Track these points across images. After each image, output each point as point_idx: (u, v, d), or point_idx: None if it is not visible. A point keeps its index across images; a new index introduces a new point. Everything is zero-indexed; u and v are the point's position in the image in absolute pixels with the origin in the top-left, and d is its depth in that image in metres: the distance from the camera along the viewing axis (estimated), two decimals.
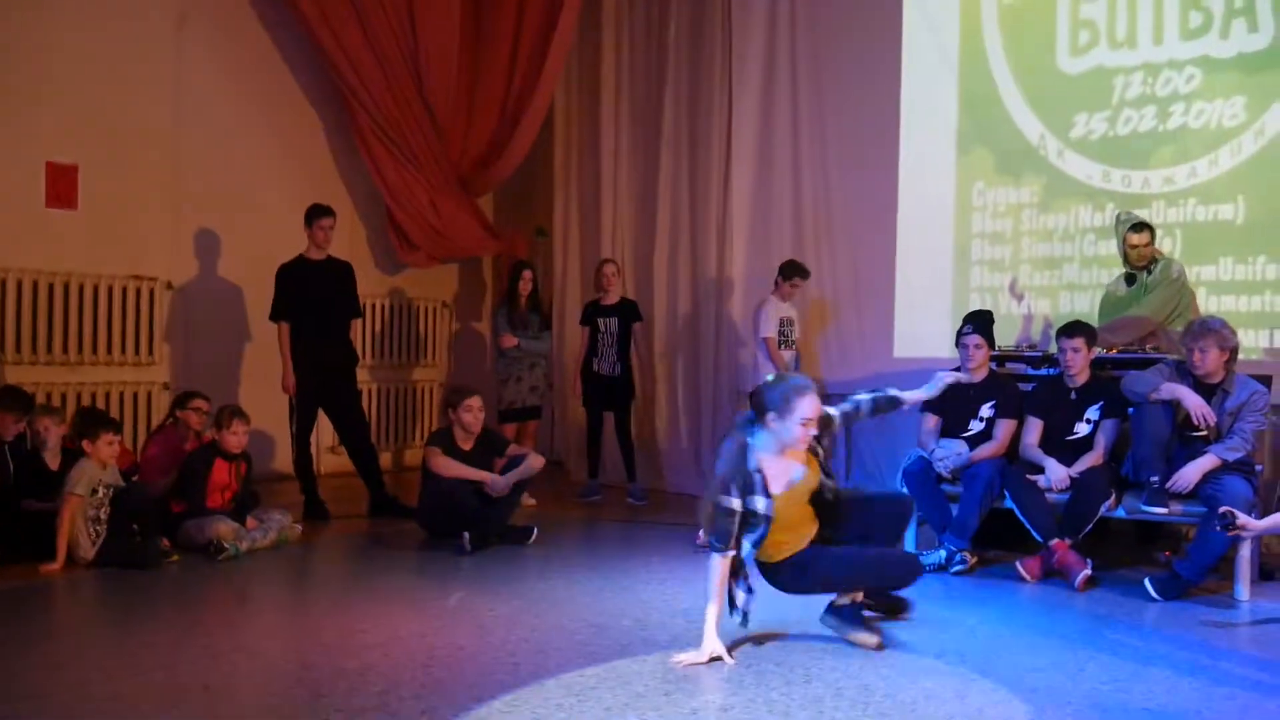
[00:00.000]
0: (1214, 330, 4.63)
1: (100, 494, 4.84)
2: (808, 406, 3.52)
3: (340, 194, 7.77)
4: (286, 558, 5.17)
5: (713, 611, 3.45)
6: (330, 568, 5.28)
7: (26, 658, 3.42)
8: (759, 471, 3.54)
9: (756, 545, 3.55)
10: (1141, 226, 5.50)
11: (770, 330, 6.74)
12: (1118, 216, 5.73)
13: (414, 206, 8.03)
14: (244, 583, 4.67)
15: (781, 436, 3.55)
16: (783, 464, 3.61)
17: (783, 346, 6.73)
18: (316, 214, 6.29)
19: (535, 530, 5.50)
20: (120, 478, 5.04)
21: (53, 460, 5.06)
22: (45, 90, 6.35)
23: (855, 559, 3.66)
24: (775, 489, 3.55)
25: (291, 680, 3.24)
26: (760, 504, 3.51)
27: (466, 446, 5.51)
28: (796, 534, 3.66)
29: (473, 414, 5.51)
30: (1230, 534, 4.12)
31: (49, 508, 4.80)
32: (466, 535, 5.18)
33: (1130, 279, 5.58)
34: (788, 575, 3.68)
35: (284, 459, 6.83)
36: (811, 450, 3.72)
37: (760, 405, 3.58)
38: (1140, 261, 5.49)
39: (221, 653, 3.51)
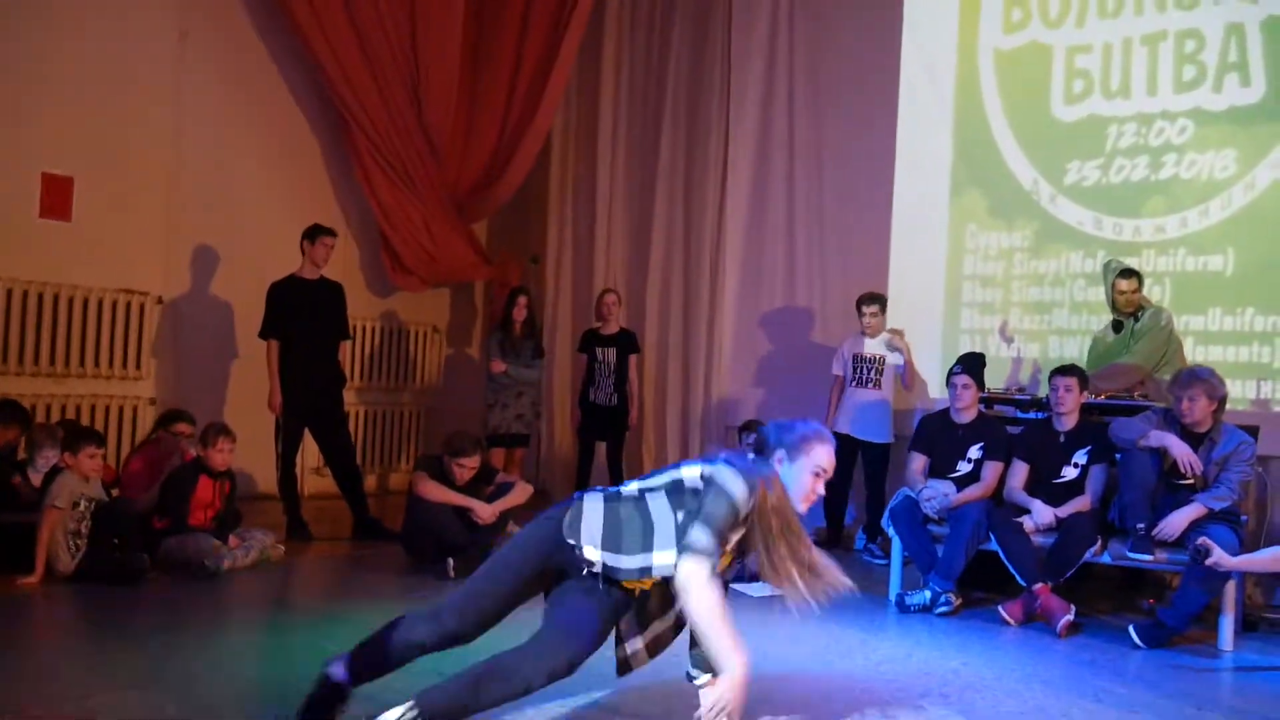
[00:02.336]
0: (1203, 379, 4.66)
1: (82, 507, 4.80)
2: (824, 456, 2.89)
3: (335, 215, 7.77)
4: (268, 577, 5.13)
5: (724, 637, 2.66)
6: (311, 589, 5.23)
7: (2, 671, 3.38)
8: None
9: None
10: (1129, 273, 5.56)
11: (837, 368, 6.60)
12: (1106, 263, 5.79)
13: (408, 230, 8.04)
14: (224, 601, 4.63)
15: (789, 484, 2.85)
16: None
17: (858, 384, 6.45)
18: (320, 231, 6.28)
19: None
20: (103, 491, 5.00)
21: (36, 477, 5.02)
22: (43, 101, 6.34)
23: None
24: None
25: (269, 701, 3.20)
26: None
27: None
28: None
29: (464, 471, 5.39)
30: (1200, 564, 4.15)
31: (26, 520, 4.76)
32: (451, 561, 5.14)
33: (1118, 326, 5.62)
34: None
35: (268, 479, 6.78)
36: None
37: (766, 442, 2.94)
38: (1128, 308, 5.54)
39: (198, 672, 3.47)
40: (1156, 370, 5.46)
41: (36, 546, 4.64)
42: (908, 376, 6.48)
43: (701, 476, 2.73)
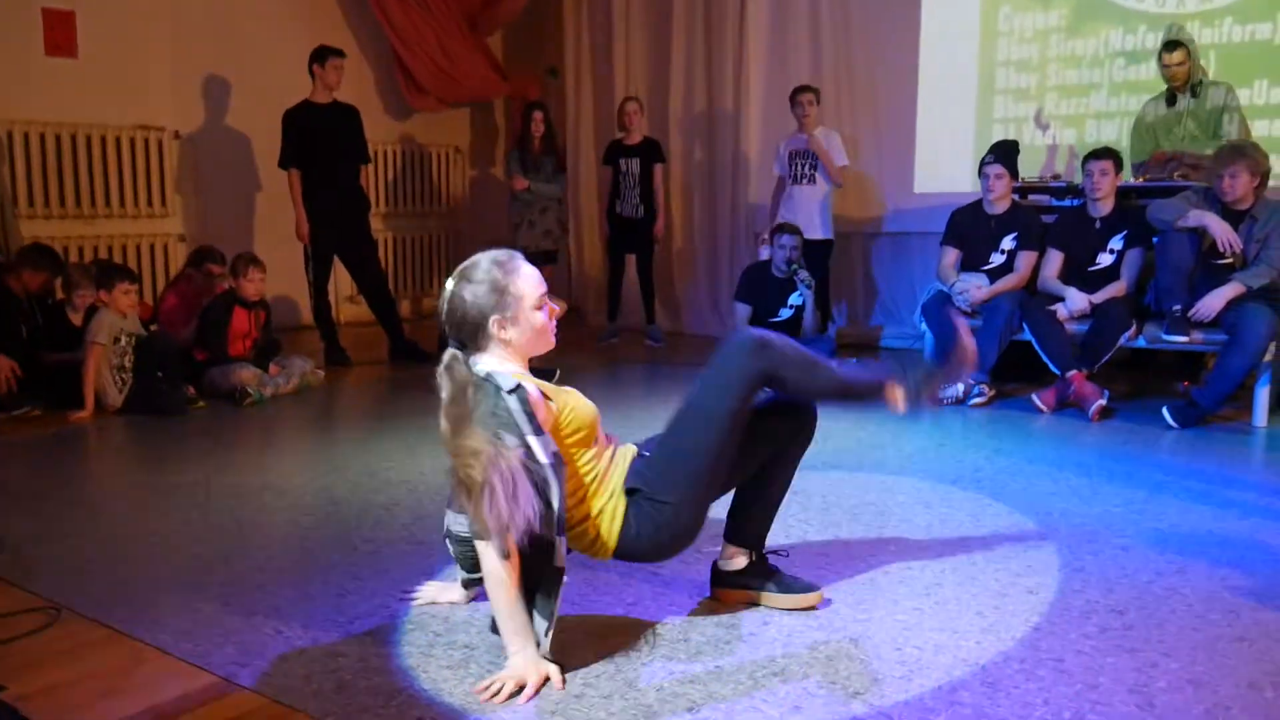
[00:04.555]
0: (1245, 155, 4.50)
1: (123, 342, 4.90)
2: (530, 279, 2.23)
3: (345, 37, 7.55)
4: (310, 402, 5.25)
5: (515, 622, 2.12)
6: (353, 411, 5.36)
7: (65, 498, 3.52)
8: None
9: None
10: (1173, 45, 5.25)
11: (777, 168, 6.60)
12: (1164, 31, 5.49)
13: (421, 47, 7.81)
14: (269, 426, 4.76)
15: (525, 339, 2.23)
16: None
17: (793, 182, 6.49)
18: (328, 53, 6.11)
19: (557, 372, 5.52)
20: (141, 327, 5.09)
21: (75, 316, 5.11)
22: None
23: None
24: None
25: (320, 515, 3.33)
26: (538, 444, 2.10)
27: None
28: (603, 457, 2.30)
29: None
30: None
31: (71, 359, 4.87)
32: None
33: (1172, 99, 5.35)
34: (642, 516, 2.24)
35: (303, 309, 6.86)
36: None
37: (465, 319, 2.19)
38: (1175, 81, 5.27)
39: (251, 491, 3.60)
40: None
41: (84, 383, 4.77)
42: (832, 170, 6.41)
43: None
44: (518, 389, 2.12)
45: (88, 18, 6.40)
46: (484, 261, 2.23)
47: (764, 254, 6.72)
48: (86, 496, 3.59)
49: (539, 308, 2.23)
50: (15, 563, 2.81)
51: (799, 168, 6.47)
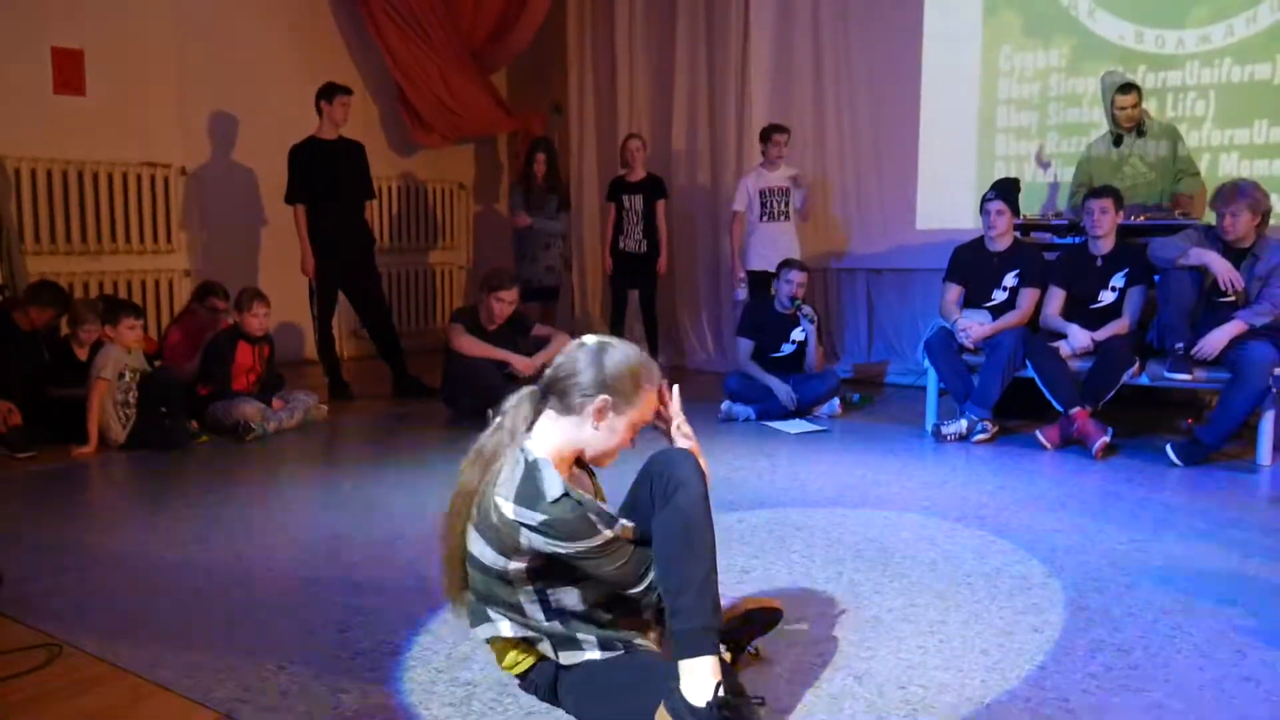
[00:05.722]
0: (1246, 193, 4.53)
1: (127, 378, 4.90)
2: (654, 401, 2.14)
3: (350, 73, 7.62)
4: (313, 437, 5.25)
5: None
6: (356, 446, 5.36)
7: (66, 532, 3.52)
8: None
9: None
10: (1128, 88, 5.45)
11: (738, 203, 6.65)
12: (1103, 77, 5.66)
13: (426, 84, 7.88)
14: (272, 461, 4.75)
15: (600, 439, 2.08)
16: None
17: (767, 219, 6.55)
18: (336, 90, 6.16)
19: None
20: (146, 362, 5.11)
21: (81, 351, 5.12)
22: None
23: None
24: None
25: (323, 550, 3.32)
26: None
27: (491, 326, 5.51)
28: None
29: (503, 305, 5.43)
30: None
31: (76, 394, 4.88)
32: (491, 413, 5.20)
33: (1118, 140, 5.53)
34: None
35: (308, 344, 6.87)
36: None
37: (604, 367, 2.05)
38: (1127, 124, 5.45)
39: (253, 526, 3.60)
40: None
41: (88, 418, 4.77)
42: (805, 207, 6.58)
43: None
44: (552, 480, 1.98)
45: (96, 56, 6.47)
46: (636, 353, 2.10)
47: (740, 295, 6.76)
48: (88, 531, 3.58)
49: (633, 434, 2.11)
50: (16, 598, 2.80)
51: (774, 205, 6.52)
